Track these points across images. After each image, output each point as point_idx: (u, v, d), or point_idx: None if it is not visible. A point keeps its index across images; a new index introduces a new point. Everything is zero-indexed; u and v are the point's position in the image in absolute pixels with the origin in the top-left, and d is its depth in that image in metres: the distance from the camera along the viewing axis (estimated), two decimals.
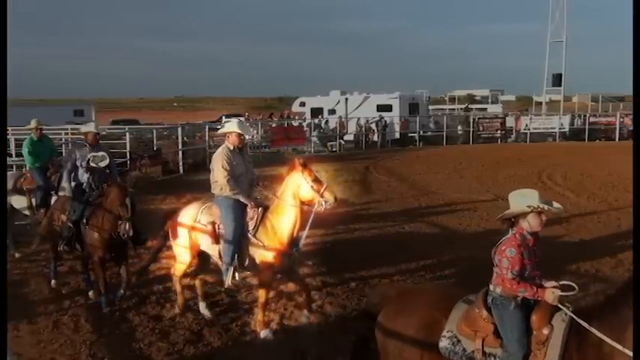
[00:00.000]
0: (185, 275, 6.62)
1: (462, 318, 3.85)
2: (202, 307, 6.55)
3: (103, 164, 7.19)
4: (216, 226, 6.07)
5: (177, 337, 6.05)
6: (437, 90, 76.41)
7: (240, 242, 5.94)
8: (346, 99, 30.03)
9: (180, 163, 19.11)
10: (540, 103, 42.89)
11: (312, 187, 5.77)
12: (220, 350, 5.80)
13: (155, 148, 18.97)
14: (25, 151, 9.43)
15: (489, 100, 47.37)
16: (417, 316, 3.99)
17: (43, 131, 9.71)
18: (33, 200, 8.96)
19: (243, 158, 6.24)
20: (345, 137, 28.01)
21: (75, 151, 7.44)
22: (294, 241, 5.92)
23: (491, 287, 3.83)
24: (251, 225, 5.97)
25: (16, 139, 19.15)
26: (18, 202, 9.12)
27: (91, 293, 7.12)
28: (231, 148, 6.13)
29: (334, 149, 27.02)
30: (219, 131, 6.35)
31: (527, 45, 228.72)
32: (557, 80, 38.90)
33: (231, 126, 6.28)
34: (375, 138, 28.38)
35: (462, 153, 24.53)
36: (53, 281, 7.57)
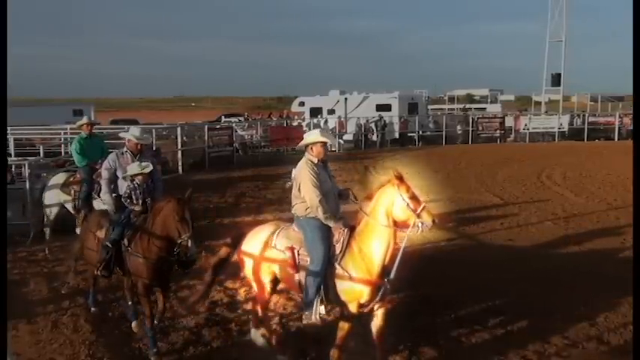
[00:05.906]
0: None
1: None
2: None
3: (147, 170, 6.15)
4: (296, 252, 5.23)
5: (176, 337, 6.05)
6: (436, 90, 76.69)
7: (326, 271, 5.06)
8: (345, 99, 30.01)
9: (180, 163, 19.16)
10: (539, 102, 42.87)
11: (408, 205, 4.82)
12: (220, 350, 5.79)
13: (154, 148, 18.93)
14: (73, 148, 8.95)
15: (488, 100, 47.46)
16: None
17: (94, 129, 9.27)
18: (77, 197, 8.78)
19: (327, 172, 5.39)
20: (345, 137, 27.98)
21: (114, 159, 6.58)
22: (385, 270, 4.93)
23: None
24: (337, 249, 5.07)
25: (15, 139, 19.22)
26: (63, 196, 8.96)
27: (134, 324, 6.22)
28: (316, 161, 5.28)
29: (333, 149, 26.99)
30: (300, 144, 5.40)
31: (526, 45, 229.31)
32: (556, 80, 38.86)
33: (315, 136, 5.37)
34: (375, 138, 28.35)
35: (461, 153, 24.54)
36: (93, 309, 6.75)
